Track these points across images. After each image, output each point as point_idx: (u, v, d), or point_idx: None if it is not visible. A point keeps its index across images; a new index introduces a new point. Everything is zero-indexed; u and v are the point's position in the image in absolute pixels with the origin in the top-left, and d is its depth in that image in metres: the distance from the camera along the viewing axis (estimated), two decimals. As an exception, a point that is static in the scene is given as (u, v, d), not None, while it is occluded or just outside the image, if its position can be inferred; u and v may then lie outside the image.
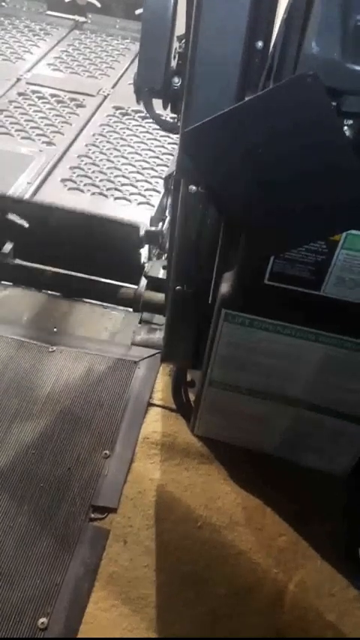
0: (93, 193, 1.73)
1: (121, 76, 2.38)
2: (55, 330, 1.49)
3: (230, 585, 1.07)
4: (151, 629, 1.00)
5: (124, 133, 2.02)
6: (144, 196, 1.73)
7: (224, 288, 0.91)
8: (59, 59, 2.45)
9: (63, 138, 1.95)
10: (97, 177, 1.79)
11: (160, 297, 1.50)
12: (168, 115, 0.96)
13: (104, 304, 1.60)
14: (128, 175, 1.81)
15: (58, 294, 1.61)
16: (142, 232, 1.52)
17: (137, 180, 1.80)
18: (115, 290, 1.59)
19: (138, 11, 2.58)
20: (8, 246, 1.58)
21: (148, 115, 0.92)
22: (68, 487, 1.17)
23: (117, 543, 1.10)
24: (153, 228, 1.53)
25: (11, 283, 1.62)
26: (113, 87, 2.29)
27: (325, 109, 0.60)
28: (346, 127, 0.65)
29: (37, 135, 1.96)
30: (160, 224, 1.57)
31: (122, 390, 1.35)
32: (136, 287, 1.55)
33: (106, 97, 2.22)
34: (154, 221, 1.56)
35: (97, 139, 1.97)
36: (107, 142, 1.96)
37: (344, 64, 0.57)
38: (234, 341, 0.97)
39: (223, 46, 0.71)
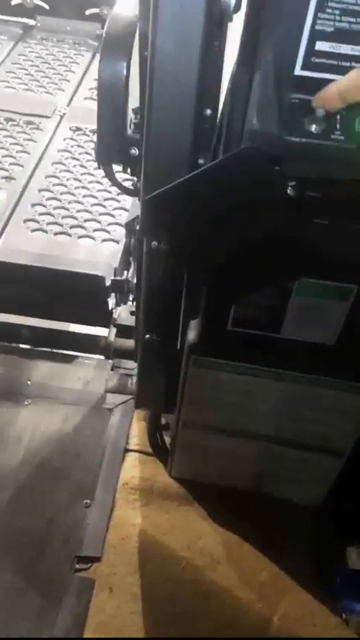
0: (56, 233, 1.68)
1: (76, 89, 2.31)
2: (28, 382, 1.52)
3: (215, 622, 1.09)
4: (142, 675, 1.01)
5: (83, 158, 1.95)
6: (107, 232, 1.71)
7: (191, 335, 0.96)
8: (11, 74, 2.35)
9: (22, 170, 1.89)
10: (59, 213, 1.74)
11: (130, 343, 1.54)
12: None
13: (76, 354, 1.63)
14: (90, 209, 1.77)
15: (28, 346, 1.64)
16: (107, 283, 1.56)
17: (100, 214, 1.76)
18: (85, 339, 1.63)
19: (89, 11, 2.46)
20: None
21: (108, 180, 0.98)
22: (51, 539, 1.18)
23: (103, 592, 1.12)
24: (118, 278, 1.57)
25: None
26: (69, 104, 2.21)
27: (269, 175, 0.67)
28: (289, 189, 0.72)
29: (-4, 170, 1.90)
30: (125, 272, 1.62)
31: (99, 438, 1.38)
32: (105, 335, 1.59)
33: (62, 117, 2.14)
34: (119, 270, 1.60)
35: (56, 168, 1.90)
36: (67, 170, 1.90)
37: (282, 137, 0.64)
38: (203, 384, 1.02)
39: (175, 118, 0.78)
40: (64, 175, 1.87)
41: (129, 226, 1.45)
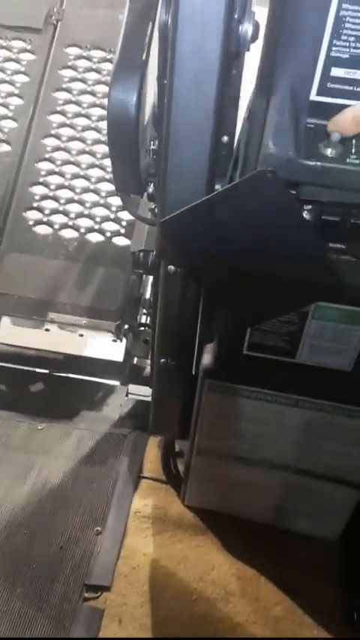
0: (61, 227, 1.46)
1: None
2: (43, 406, 1.51)
3: (228, 660, 1.05)
4: None
5: (84, 102, 1.59)
6: (118, 222, 1.50)
7: (206, 359, 0.96)
8: None
9: (16, 130, 1.55)
10: (63, 195, 1.49)
11: (145, 369, 1.54)
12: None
13: (91, 379, 1.63)
14: (97, 187, 1.52)
15: (45, 371, 1.64)
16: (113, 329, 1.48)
17: (108, 194, 1.51)
18: (100, 364, 1.62)
19: None
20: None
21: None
22: (61, 567, 1.16)
23: (112, 623, 1.09)
24: (125, 326, 1.51)
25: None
26: (62, 3, 1.72)
27: (285, 199, 0.67)
28: (306, 212, 0.72)
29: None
30: (137, 314, 1.53)
31: (112, 464, 1.37)
32: (120, 360, 1.58)
33: (56, 28, 1.68)
34: (127, 314, 1.46)
35: (55, 121, 1.56)
36: (67, 125, 1.57)
37: (298, 160, 0.65)
38: (218, 410, 1.01)
39: (193, 145, 0.79)
40: (64, 133, 1.56)
41: (134, 255, 1.33)
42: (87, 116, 1.61)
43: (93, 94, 1.63)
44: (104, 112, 1.59)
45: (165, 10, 0.70)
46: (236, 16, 0.65)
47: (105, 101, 1.56)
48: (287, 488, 1.14)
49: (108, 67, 1.66)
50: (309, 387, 0.92)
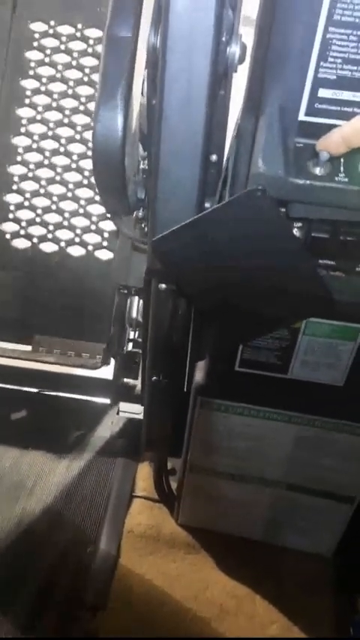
0: (40, 240, 1.37)
1: None
2: (32, 427, 1.50)
3: None
4: None
5: (55, 91, 1.40)
6: (99, 234, 1.40)
7: (198, 376, 0.96)
8: None
9: None
10: (39, 205, 1.38)
11: (136, 387, 1.53)
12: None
13: (81, 397, 1.62)
14: (75, 194, 1.40)
15: (34, 390, 1.63)
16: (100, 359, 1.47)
17: (87, 201, 1.39)
18: (89, 382, 1.62)
19: None
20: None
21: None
22: (54, 588, 1.14)
23: (107, 645, 1.07)
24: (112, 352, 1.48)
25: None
26: None
27: (275, 216, 0.68)
28: (296, 230, 0.73)
29: None
30: (121, 326, 1.51)
31: (104, 484, 1.35)
32: (110, 378, 1.58)
33: (16, 3, 1.41)
34: (114, 334, 1.41)
35: (24, 116, 1.40)
36: (39, 121, 1.40)
37: (287, 179, 0.65)
38: (211, 426, 1.01)
39: (183, 164, 0.80)
40: (35, 130, 1.40)
41: (119, 289, 1.27)
42: (59, 109, 1.43)
43: (64, 81, 1.42)
44: (77, 104, 1.44)
45: (154, 33, 0.71)
46: (224, 39, 0.67)
47: (78, 90, 1.47)
48: (281, 505, 1.14)
49: (79, 46, 1.44)
50: (301, 403, 0.93)
